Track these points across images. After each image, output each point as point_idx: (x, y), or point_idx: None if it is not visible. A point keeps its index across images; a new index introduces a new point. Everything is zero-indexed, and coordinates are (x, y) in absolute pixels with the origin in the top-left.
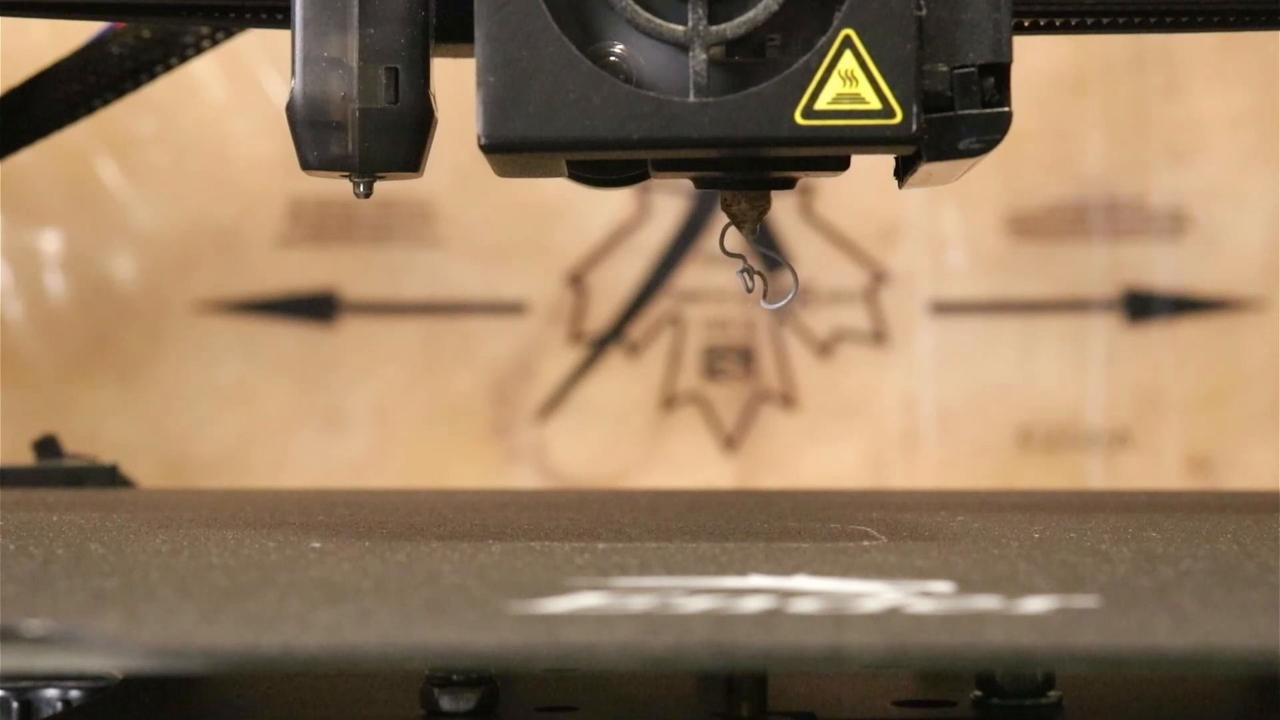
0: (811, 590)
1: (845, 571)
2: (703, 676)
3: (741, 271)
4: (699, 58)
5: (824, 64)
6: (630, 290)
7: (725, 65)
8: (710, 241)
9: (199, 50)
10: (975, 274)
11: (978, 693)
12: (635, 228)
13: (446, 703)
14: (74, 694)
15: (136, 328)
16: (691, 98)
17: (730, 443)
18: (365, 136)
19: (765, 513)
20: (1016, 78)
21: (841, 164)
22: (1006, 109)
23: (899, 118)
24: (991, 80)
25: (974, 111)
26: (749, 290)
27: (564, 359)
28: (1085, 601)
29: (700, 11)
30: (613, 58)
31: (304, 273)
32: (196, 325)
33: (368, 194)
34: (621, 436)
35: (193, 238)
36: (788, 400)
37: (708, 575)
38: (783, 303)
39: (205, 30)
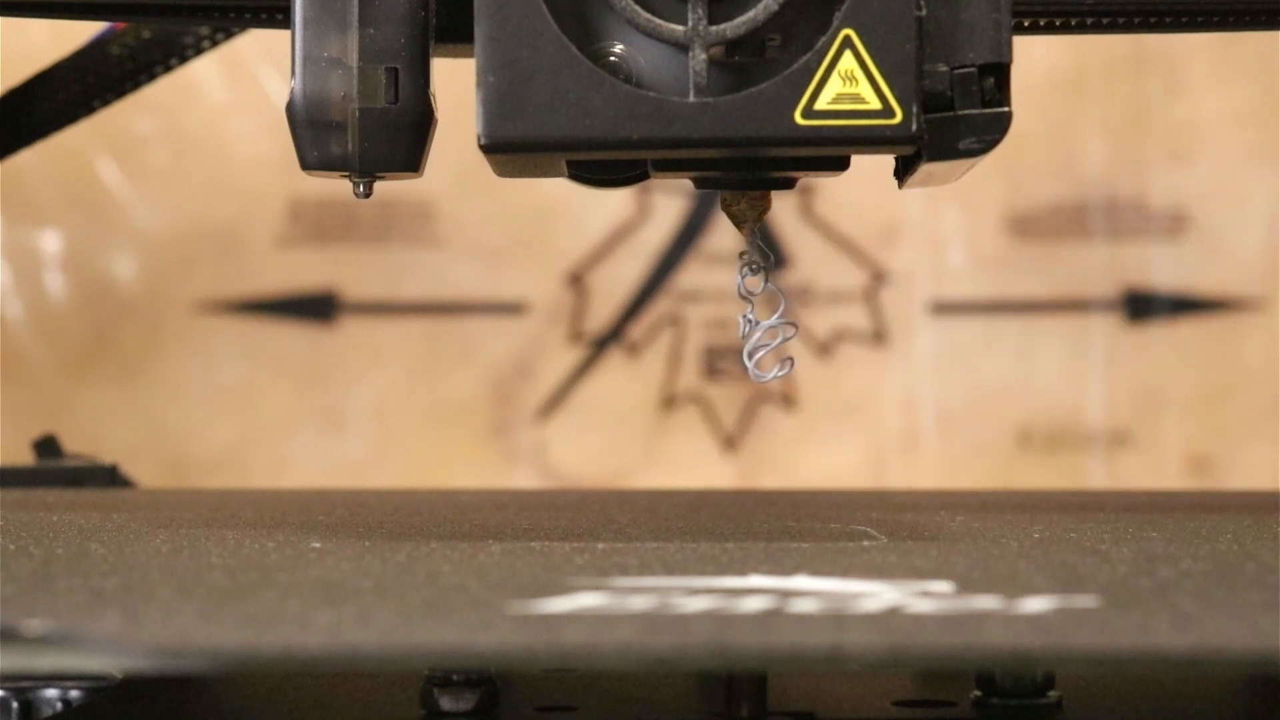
0: (811, 590)
1: (845, 571)
2: (703, 676)
3: (744, 283)
4: (699, 58)
5: (824, 64)
6: (630, 290)
7: (725, 65)
8: (710, 241)
9: (199, 50)
10: (975, 274)
11: (978, 693)
12: (635, 228)
13: (446, 703)
14: (74, 694)
15: (136, 328)
16: (691, 98)
17: (730, 443)
18: (365, 136)
19: (765, 513)
20: (1016, 78)
21: (841, 164)
22: (1006, 109)
23: (899, 118)
24: (991, 80)
25: (974, 111)
26: (743, 295)
27: (564, 359)
28: (1085, 601)
29: (700, 11)
30: (613, 58)
31: (304, 273)
32: (196, 325)
33: (368, 194)
34: (621, 436)
35: (193, 238)
36: (788, 400)
37: (708, 575)
38: (776, 349)
39: (205, 30)
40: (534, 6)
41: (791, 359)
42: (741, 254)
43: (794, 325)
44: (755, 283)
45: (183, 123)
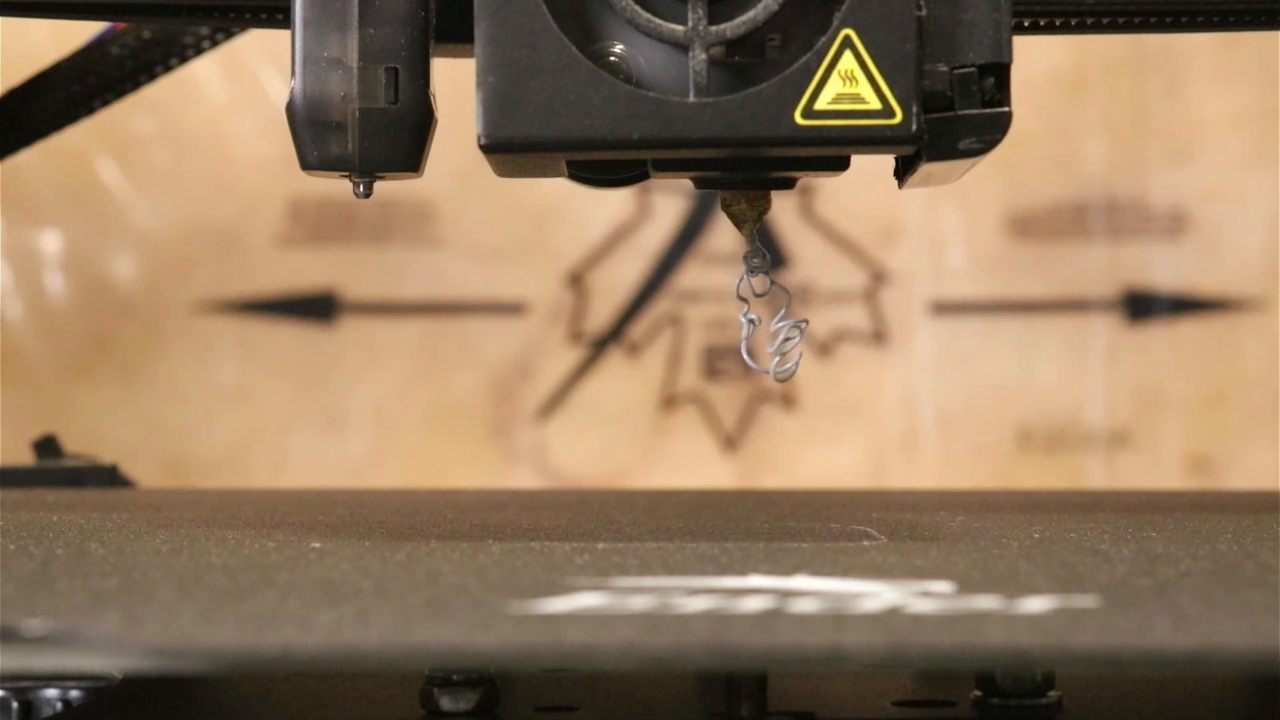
0: (811, 590)
1: (845, 571)
2: (703, 676)
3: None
4: (699, 58)
5: (824, 64)
6: (630, 290)
7: (725, 65)
8: (710, 241)
9: (199, 50)
10: (975, 274)
11: (978, 693)
12: (635, 228)
13: (446, 703)
14: (74, 694)
15: (136, 328)
16: (691, 98)
17: (730, 443)
18: (365, 136)
19: (765, 513)
20: (1016, 78)
21: (841, 164)
22: (1006, 109)
23: (899, 118)
24: (991, 80)
25: (974, 111)
26: (741, 296)
27: (564, 359)
28: (1085, 601)
29: (700, 11)
30: (613, 58)
31: (304, 273)
32: (196, 325)
33: (368, 194)
34: (621, 436)
35: (193, 238)
36: (788, 400)
37: (708, 575)
38: (791, 366)
39: (205, 30)
40: (534, 6)
41: (800, 352)
42: (746, 256)
43: (805, 320)
44: (761, 283)
45: (183, 123)
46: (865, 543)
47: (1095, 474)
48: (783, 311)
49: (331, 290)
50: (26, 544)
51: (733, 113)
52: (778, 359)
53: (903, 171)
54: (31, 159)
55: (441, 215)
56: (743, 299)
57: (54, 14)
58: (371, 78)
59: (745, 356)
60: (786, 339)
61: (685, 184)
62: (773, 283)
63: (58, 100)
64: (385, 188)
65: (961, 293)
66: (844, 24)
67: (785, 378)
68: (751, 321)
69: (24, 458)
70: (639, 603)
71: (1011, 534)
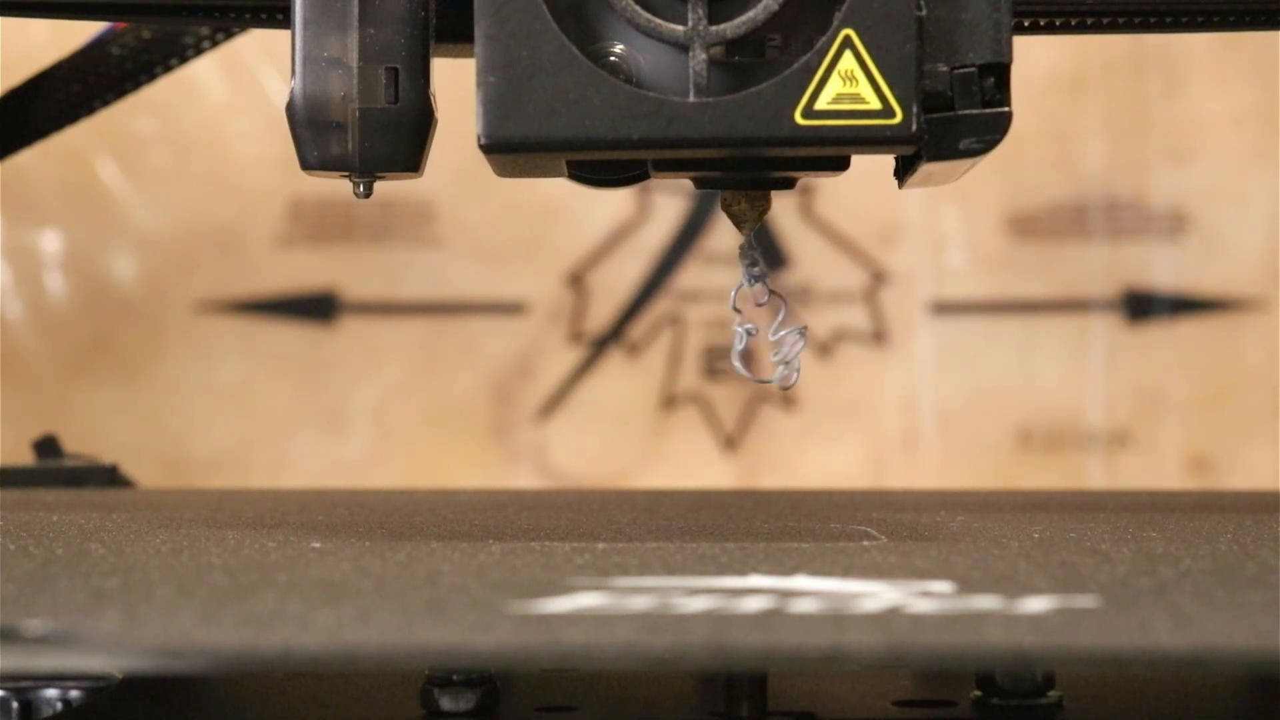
0: (811, 590)
1: (845, 571)
2: (703, 676)
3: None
4: (699, 58)
5: (824, 64)
6: (630, 290)
7: (725, 65)
8: (710, 241)
9: (199, 51)
10: (975, 274)
11: (978, 693)
12: (635, 228)
13: (446, 703)
14: (74, 694)
15: (136, 328)
16: (691, 98)
17: (730, 443)
18: (365, 136)
19: (765, 513)
20: (1016, 78)
21: (841, 164)
22: (1006, 109)
23: (899, 118)
24: (991, 80)
25: (974, 111)
26: (741, 305)
27: (564, 359)
28: (1085, 601)
29: (700, 11)
30: (613, 58)
31: (304, 273)
32: (196, 325)
33: (368, 194)
34: (621, 436)
35: (193, 238)
36: (788, 400)
37: (708, 575)
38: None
39: (205, 30)
40: (534, 6)
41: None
42: (742, 255)
43: (804, 326)
44: (760, 292)
45: (183, 123)
46: (865, 543)
47: (1095, 474)
48: (780, 318)
49: (331, 290)
50: (26, 544)
51: (733, 113)
52: (783, 367)
53: (903, 171)
54: (31, 159)
55: (441, 215)
56: (737, 309)
57: (54, 14)
58: (371, 78)
59: (737, 364)
60: (790, 347)
61: (685, 184)
62: (772, 291)
63: (58, 100)
64: (385, 188)
65: (961, 293)
66: (844, 24)
67: (788, 384)
68: (749, 332)
69: (24, 458)
70: (639, 603)
71: (1011, 534)
